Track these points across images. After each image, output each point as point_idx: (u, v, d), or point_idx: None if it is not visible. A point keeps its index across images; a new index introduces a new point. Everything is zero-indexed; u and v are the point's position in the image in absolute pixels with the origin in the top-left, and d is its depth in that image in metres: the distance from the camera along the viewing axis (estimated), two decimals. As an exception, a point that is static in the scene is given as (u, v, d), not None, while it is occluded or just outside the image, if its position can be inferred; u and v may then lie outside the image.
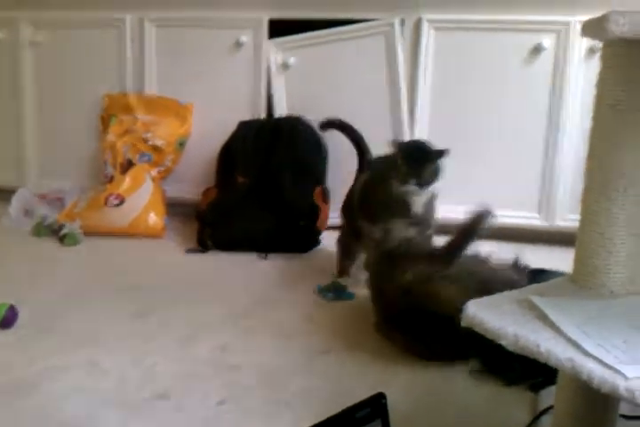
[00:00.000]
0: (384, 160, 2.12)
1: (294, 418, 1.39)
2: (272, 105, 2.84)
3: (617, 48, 1.06)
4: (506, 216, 2.61)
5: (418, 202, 2.01)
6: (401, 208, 2.02)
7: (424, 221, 2.06)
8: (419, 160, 1.96)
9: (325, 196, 2.64)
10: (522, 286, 1.25)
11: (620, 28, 0.93)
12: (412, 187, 1.95)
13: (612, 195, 1.10)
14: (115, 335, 1.81)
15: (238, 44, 2.83)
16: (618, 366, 0.89)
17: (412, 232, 2.03)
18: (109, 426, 1.37)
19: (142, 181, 2.85)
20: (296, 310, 2.00)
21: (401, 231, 2.02)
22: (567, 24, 2.45)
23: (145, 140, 2.92)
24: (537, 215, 2.62)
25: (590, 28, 1.03)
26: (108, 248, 2.63)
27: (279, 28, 2.78)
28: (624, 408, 1.21)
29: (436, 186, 2.02)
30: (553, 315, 1.04)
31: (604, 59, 1.11)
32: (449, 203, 2.67)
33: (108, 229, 2.74)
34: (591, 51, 2.43)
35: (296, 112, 2.79)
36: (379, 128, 2.69)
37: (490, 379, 1.57)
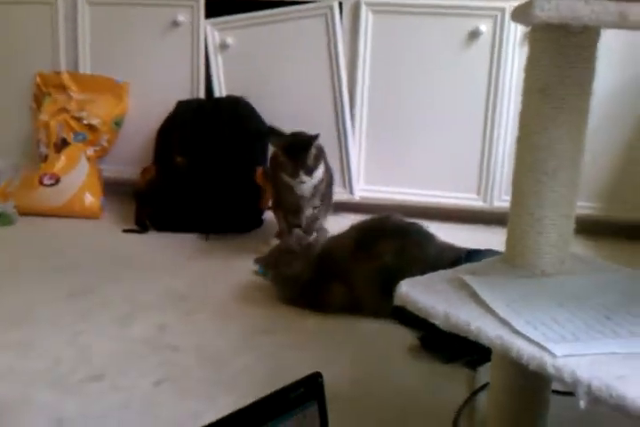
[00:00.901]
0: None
1: (233, 398, 1.39)
2: (211, 85, 2.81)
3: (544, 33, 1.08)
4: (445, 197, 2.68)
5: (307, 186, 2.22)
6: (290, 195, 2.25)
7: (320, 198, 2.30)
8: (298, 151, 2.15)
9: (267, 175, 2.63)
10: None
11: (545, 13, 0.95)
12: (303, 177, 2.16)
13: (541, 177, 1.12)
14: (50, 315, 1.79)
15: (175, 24, 2.78)
16: (546, 344, 0.90)
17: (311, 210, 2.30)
18: (43, 408, 1.36)
19: (77, 160, 2.80)
20: (236, 290, 2.00)
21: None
22: (503, 9, 2.48)
23: (79, 119, 2.87)
24: (476, 196, 2.67)
25: (518, 14, 1.05)
26: (44, 228, 2.59)
27: (217, 8, 2.74)
28: (557, 384, 1.25)
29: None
30: (484, 294, 1.06)
31: (532, 44, 1.12)
32: (391, 185, 2.72)
33: (43, 209, 2.70)
34: (526, 36, 2.46)
35: (236, 92, 2.77)
36: (319, 109, 2.70)
37: (427, 357, 1.60)
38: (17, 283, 2.01)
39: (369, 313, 1.81)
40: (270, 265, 1.95)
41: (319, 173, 2.23)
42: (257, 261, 2.00)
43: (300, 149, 2.17)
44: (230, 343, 1.66)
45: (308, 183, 2.20)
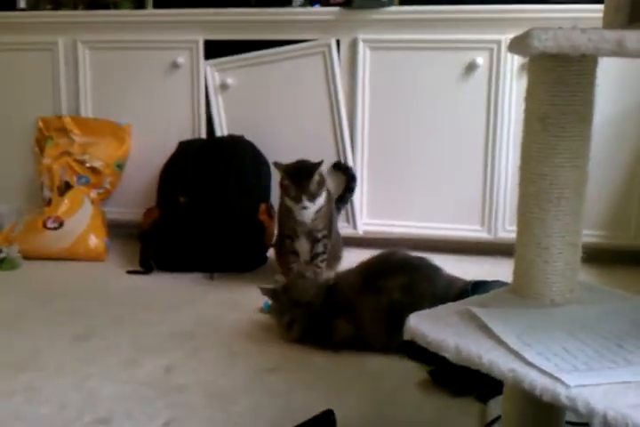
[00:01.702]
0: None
1: (242, 438, 1.37)
2: (212, 125, 2.84)
3: (542, 63, 1.09)
4: (449, 229, 2.68)
5: (308, 213, 2.28)
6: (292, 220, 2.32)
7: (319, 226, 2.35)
8: (301, 177, 2.22)
9: (270, 213, 2.64)
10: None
11: (542, 43, 0.96)
12: (306, 203, 2.22)
13: (545, 206, 1.12)
14: (55, 359, 1.77)
15: (175, 66, 2.82)
16: (558, 375, 0.89)
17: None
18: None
19: (81, 203, 2.81)
20: (242, 328, 1.99)
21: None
22: (499, 42, 2.51)
23: (82, 162, 2.88)
24: (479, 228, 2.67)
25: (516, 45, 1.06)
26: (48, 272, 2.58)
27: (216, 49, 2.78)
28: (571, 415, 1.23)
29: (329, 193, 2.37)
30: (494, 325, 1.05)
31: (531, 74, 1.13)
32: (395, 218, 2.73)
33: (47, 253, 2.69)
34: (523, 67, 2.49)
35: (237, 132, 2.79)
36: (321, 146, 2.72)
37: (438, 391, 1.58)
38: (22, 327, 2.00)
39: (376, 350, 1.79)
40: (279, 293, 1.94)
41: (321, 200, 2.29)
42: (263, 290, 1.98)
43: (304, 174, 2.22)
44: (237, 382, 1.64)
45: (309, 209, 2.25)
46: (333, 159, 2.73)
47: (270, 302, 1.98)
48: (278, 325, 1.93)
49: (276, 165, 2.33)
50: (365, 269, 1.90)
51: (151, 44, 2.84)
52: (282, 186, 2.30)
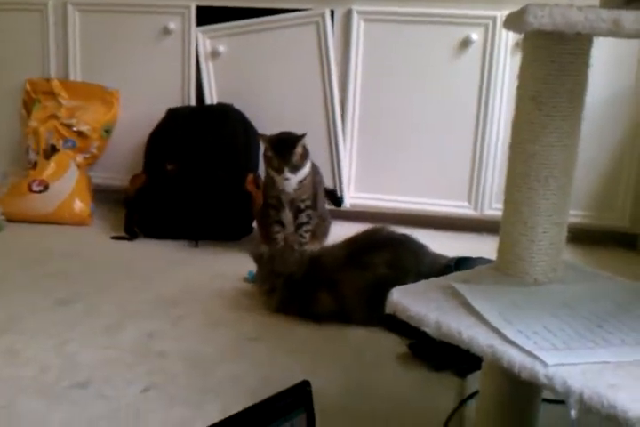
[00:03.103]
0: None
1: (221, 406, 1.38)
2: (202, 93, 2.81)
3: (536, 41, 1.08)
4: (436, 205, 2.68)
5: (291, 183, 2.31)
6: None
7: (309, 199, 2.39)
8: (284, 148, 2.25)
9: (258, 183, 2.63)
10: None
11: (538, 20, 0.95)
12: (287, 174, 2.26)
13: (533, 185, 1.12)
14: (37, 323, 1.77)
15: (166, 31, 2.78)
16: (537, 353, 0.90)
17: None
18: (29, 415, 1.34)
19: (67, 167, 2.79)
20: (225, 297, 1.99)
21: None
22: (494, 18, 2.49)
23: (69, 126, 2.86)
24: (467, 204, 2.67)
25: (511, 21, 1.05)
26: (33, 235, 2.57)
27: (208, 16, 2.75)
28: (547, 392, 1.24)
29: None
30: (475, 302, 1.05)
31: (525, 51, 1.12)
32: (382, 192, 2.73)
33: (32, 216, 2.68)
34: (518, 44, 2.48)
35: (227, 100, 2.77)
36: (311, 117, 2.70)
37: (417, 364, 1.60)
38: (5, 290, 1.99)
39: (357, 323, 1.81)
40: (264, 260, 1.95)
41: (304, 170, 2.32)
42: (252, 253, 1.99)
43: (287, 146, 2.25)
44: (219, 350, 1.65)
45: (292, 180, 2.28)
46: (324, 130, 2.71)
47: (255, 267, 1.99)
48: (259, 291, 1.94)
49: (261, 136, 2.37)
50: (351, 244, 1.90)
51: (142, 7, 2.80)
52: (265, 157, 2.32)
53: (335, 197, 2.72)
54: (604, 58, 2.37)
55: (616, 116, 2.49)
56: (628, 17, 0.93)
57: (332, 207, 2.69)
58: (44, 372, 1.51)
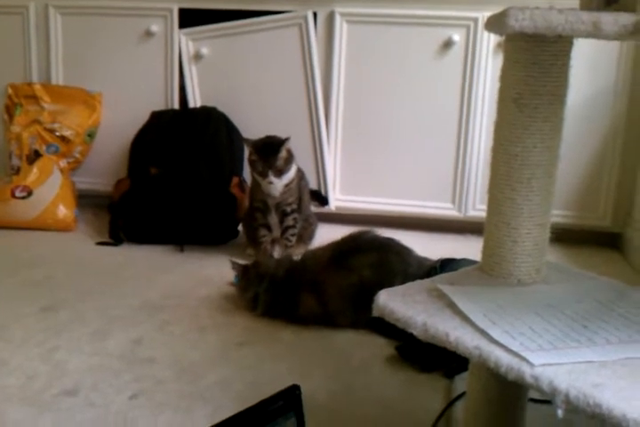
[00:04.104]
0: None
1: (209, 411, 1.38)
2: (185, 96, 2.80)
3: (518, 43, 1.09)
4: (420, 206, 2.69)
5: (276, 187, 2.31)
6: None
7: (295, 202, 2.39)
8: (268, 153, 2.25)
9: (243, 186, 2.63)
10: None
11: (519, 22, 0.96)
12: (272, 178, 2.25)
13: (516, 186, 1.13)
14: (23, 330, 1.76)
15: (149, 34, 2.77)
16: (524, 354, 0.91)
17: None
18: (17, 424, 1.34)
19: (50, 172, 2.77)
20: (211, 302, 1.99)
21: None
22: (476, 19, 2.50)
23: (52, 131, 2.84)
24: (451, 206, 2.68)
25: (492, 24, 1.06)
26: (16, 241, 2.55)
27: (191, 18, 2.74)
28: (534, 392, 1.25)
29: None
30: (461, 304, 1.06)
31: (506, 53, 1.13)
32: (367, 195, 2.73)
33: (15, 222, 2.66)
34: (499, 46, 2.49)
35: (210, 103, 2.77)
36: (295, 119, 2.70)
37: (404, 366, 1.60)
38: (-12, 297, 1.98)
39: (341, 326, 1.81)
40: (248, 269, 1.96)
41: (289, 174, 2.32)
42: (234, 264, 2.00)
43: (271, 150, 2.26)
44: (206, 356, 1.65)
45: (276, 184, 2.28)
46: (308, 132, 2.71)
47: (238, 278, 1.99)
48: (243, 300, 1.94)
49: (245, 140, 2.38)
50: (335, 247, 1.91)
51: (125, 10, 2.78)
52: (250, 161, 2.32)
53: (320, 197, 2.72)
54: (585, 59, 2.39)
55: (597, 117, 2.51)
56: (608, 19, 0.94)
57: (318, 209, 2.69)
58: (31, 380, 1.50)
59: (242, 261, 2.01)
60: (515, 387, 1.11)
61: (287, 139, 2.29)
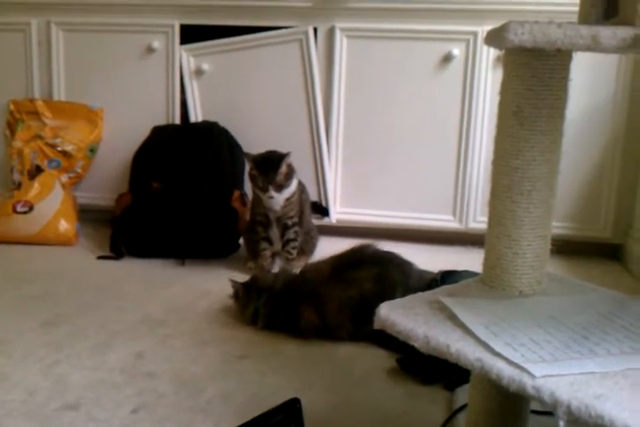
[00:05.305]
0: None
1: (210, 425, 1.37)
2: (187, 111, 2.82)
3: (517, 57, 1.10)
4: (421, 219, 2.69)
5: (277, 201, 2.31)
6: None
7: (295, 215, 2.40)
8: (269, 168, 2.26)
9: (244, 200, 2.63)
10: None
11: (518, 37, 0.96)
12: (272, 193, 2.26)
13: (517, 198, 1.14)
14: (24, 345, 1.76)
15: (150, 50, 2.79)
16: (525, 365, 0.91)
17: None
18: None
19: (52, 187, 2.78)
20: (212, 315, 1.99)
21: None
22: (475, 33, 2.52)
23: (53, 146, 2.85)
24: (451, 218, 2.68)
25: (492, 37, 1.07)
26: (17, 256, 2.56)
27: (192, 34, 2.76)
28: (535, 404, 1.25)
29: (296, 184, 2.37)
30: (462, 316, 1.06)
31: (506, 67, 1.14)
32: (368, 207, 2.74)
33: (16, 237, 2.67)
34: (499, 59, 2.50)
35: (211, 118, 2.78)
36: (295, 134, 2.71)
37: (406, 379, 1.60)
38: (-10, 312, 1.98)
39: (341, 339, 1.81)
40: (247, 287, 1.96)
41: (290, 189, 2.33)
42: (233, 282, 2.00)
43: (272, 164, 2.26)
44: (207, 369, 1.64)
45: (276, 198, 2.29)
46: (308, 148, 2.72)
47: (238, 295, 1.98)
48: (243, 316, 1.94)
49: (245, 155, 2.38)
50: (336, 260, 1.91)
51: (126, 27, 2.80)
52: (250, 175, 2.33)
53: (320, 208, 2.73)
54: (584, 72, 2.40)
55: (596, 129, 2.52)
56: (607, 33, 0.95)
57: (319, 222, 2.69)
58: (32, 395, 1.50)
59: (241, 281, 2.00)
60: (516, 399, 1.10)
61: (288, 154, 2.30)
